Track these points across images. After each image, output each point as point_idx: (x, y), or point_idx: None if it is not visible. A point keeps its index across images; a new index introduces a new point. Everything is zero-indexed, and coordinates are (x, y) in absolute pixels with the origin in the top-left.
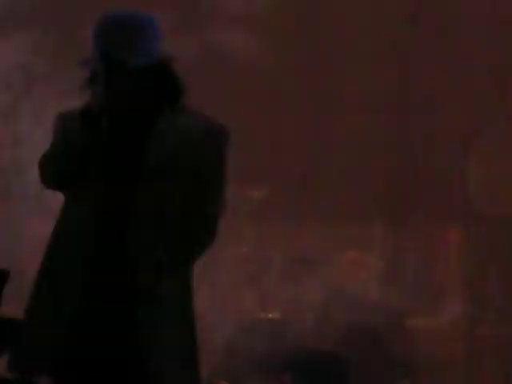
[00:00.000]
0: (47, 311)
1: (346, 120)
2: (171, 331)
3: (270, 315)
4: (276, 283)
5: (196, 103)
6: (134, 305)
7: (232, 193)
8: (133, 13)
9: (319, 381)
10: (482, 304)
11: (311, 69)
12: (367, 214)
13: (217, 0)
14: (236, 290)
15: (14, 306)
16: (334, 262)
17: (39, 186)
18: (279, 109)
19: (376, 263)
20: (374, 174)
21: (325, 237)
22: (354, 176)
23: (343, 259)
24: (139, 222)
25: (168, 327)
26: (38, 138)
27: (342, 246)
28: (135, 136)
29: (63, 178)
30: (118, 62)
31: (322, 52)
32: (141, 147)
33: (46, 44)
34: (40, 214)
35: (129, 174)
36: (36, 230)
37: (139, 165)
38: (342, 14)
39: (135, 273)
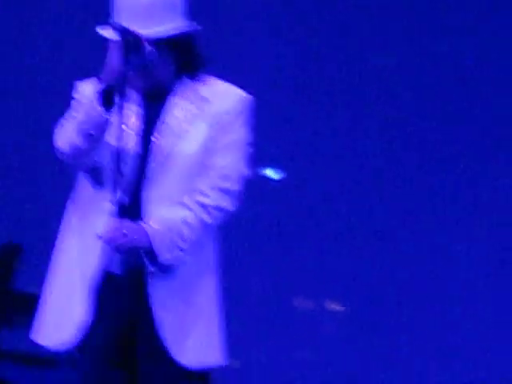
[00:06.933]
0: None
1: None
2: (185, 304)
3: None
4: None
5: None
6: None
7: None
8: None
9: None
10: None
11: None
12: None
13: None
14: None
15: None
16: None
17: None
18: None
19: None
20: None
21: None
22: None
23: None
24: (154, 199)
25: (181, 299)
26: None
27: None
28: (151, 110)
29: (73, 149)
30: (134, 37)
31: None
32: (156, 118)
33: None
34: None
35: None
36: None
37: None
38: None
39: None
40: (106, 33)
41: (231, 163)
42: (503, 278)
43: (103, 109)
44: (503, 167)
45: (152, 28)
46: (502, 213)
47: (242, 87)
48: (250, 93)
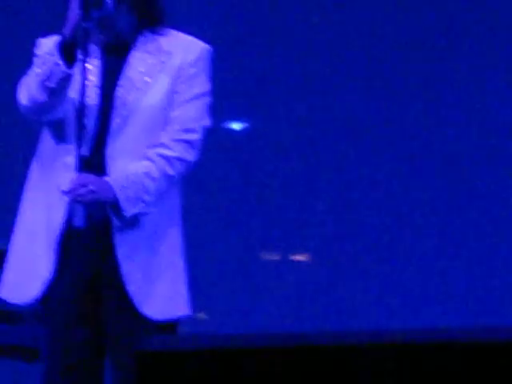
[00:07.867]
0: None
1: None
2: (150, 256)
3: None
4: None
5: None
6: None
7: None
8: None
9: None
10: None
11: None
12: None
13: None
14: None
15: None
16: None
17: None
18: None
19: None
20: None
21: None
22: None
23: None
24: (118, 153)
25: (147, 251)
26: None
27: None
28: (112, 64)
29: (36, 104)
30: None
31: None
32: (119, 72)
33: None
34: None
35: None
36: None
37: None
38: None
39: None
40: None
41: (193, 115)
42: None
43: (64, 63)
44: None
45: None
46: None
47: (200, 39)
48: (207, 43)
